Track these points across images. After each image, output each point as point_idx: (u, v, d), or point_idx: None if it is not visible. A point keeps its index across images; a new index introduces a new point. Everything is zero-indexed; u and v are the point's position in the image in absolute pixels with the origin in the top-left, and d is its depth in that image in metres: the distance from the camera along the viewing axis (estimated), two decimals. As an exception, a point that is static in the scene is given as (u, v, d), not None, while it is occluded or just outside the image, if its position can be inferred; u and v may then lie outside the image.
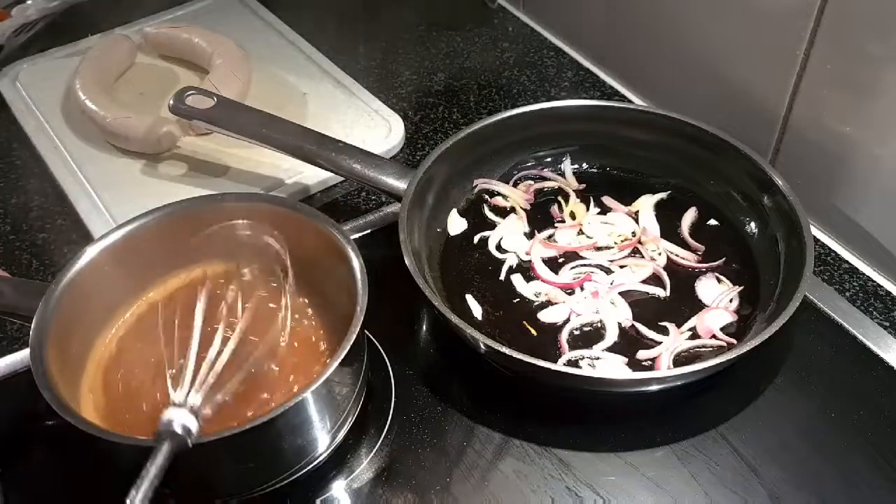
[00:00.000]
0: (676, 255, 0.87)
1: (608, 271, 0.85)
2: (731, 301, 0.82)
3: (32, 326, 0.66)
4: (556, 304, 0.82)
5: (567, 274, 0.85)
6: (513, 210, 0.92)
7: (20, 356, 0.79)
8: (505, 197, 0.93)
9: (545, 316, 0.81)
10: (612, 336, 0.79)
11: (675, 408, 0.76)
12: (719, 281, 0.84)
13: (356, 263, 0.70)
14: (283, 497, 0.69)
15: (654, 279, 0.85)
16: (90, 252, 0.72)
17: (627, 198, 0.92)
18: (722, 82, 0.96)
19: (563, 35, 1.20)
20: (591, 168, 0.96)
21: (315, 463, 0.70)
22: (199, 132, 1.01)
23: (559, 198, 0.93)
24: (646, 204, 0.91)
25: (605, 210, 0.92)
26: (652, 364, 0.77)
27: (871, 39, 0.79)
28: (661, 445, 0.74)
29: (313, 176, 0.98)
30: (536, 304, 0.83)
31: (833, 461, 0.72)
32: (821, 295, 0.84)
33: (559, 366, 0.72)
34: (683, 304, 0.82)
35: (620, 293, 0.83)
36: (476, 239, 0.89)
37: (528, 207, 0.92)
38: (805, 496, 0.70)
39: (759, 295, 0.82)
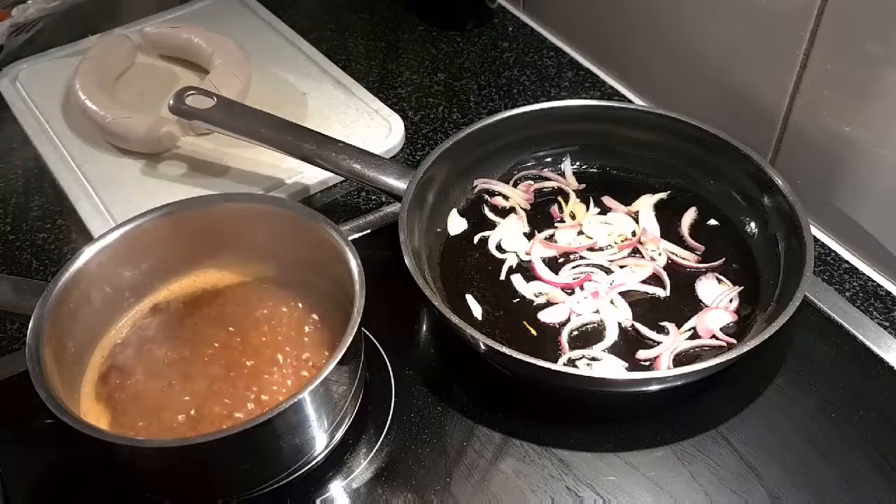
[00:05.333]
0: (676, 255, 0.87)
1: (608, 271, 0.85)
2: (731, 301, 0.82)
3: (30, 326, 0.66)
4: (556, 304, 0.82)
5: (567, 274, 0.85)
6: (513, 210, 0.92)
7: (20, 356, 0.79)
8: (505, 197, 0.93)
9: (545, 316, 0.81)
10: (612, 336, 0.79)
11: (675, 408, 0.76)
12: (719, 281, 0.84)
13: (354, 264, 0.70)
14: (282, 497, 0.69)
15: (654, 279, 0.85)
16: (88, 252, 0.72)
17: (627, 198, 0.92)
18: (722, 82, 0.96)
19: (563, 35, 1.20)
20: (591, 168, 0.96)
21: (313, 463, 0.70)
22: (199, 132, 1.01)
23: (559, 198, 0.93)
24: (646, 204, 0.91)
25: (605, 210, 0.92)
26: (652, 364, 0.77)
27: (871, 39, 0.79)
28: (661, 445, 0.73)
29: (313, 176, 0.98)
30: (536, 304, 0.83)
31: (833, 461, 0.72)
32: (821, 295, 0.84)
33: (559, 366, 0.72)
34: (683, 304, 0.82)
35: (620, 293, 0.83)
36: (476, 239, 0.89)
37: (528, 207, 0.92)
38: (805, 496, 0.70)
39: (759, 295, 0.82)
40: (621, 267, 0.86)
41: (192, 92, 0.92)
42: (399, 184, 0.85)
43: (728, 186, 0.90)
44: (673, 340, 0.79)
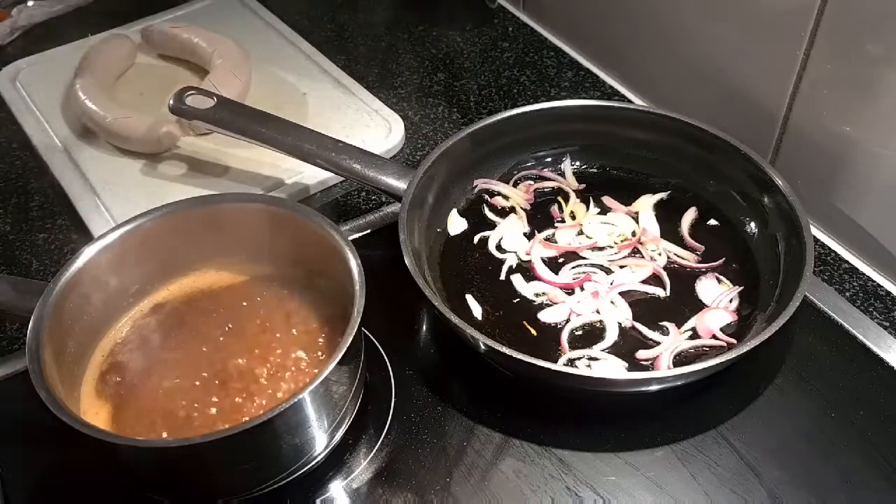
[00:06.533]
0: (676, 255, 0.87)
1: (608, 271, 0.85)
2: (731, 301, 0.82)
3: (30, 326, 0.66)
4: (556, 304, 0.82)
5: (567, 274, 0.85)
6: (513, 210, 0.92)
7: (20, 356, 0.79)
8: (505, 197, 0.93)
9: (545, 316, 0.81)
10: (612, 336, 0.79)
11: (675, 408, 0.76)
12: (719, 281, 0.84)
13: (354, 264, 0.70)
14: (282, 497, 0.69)
15: (654, 279, 0.85)
16: (88, 252, 0.72)
17: (627, 198, 0.92)
18: (722, 82, 0.96)
19: (563, 35, 1.20)
20: (591, 168, 0.96)
21: (314, 463, 0.70)
22: (199, 132, 1.01)
23: (559, 198, 0.93)
24: (646, 204, 0.91)
25: (605, 210, 0.92)
26: (652, 364, 0.77)
27: (871, 39, 0.79)
28: (661, 445, 0.74)
29: (313, 176, 0.98)
30: (536, 304, 0.83)
31: (833, 461, 0.72)
32: (821, 295, 0.84)
33: (559, 366, 0.72)
34: (683, 304, 0.82)
35: (620, 293, 0.83)
36: (476, 239, 0.89)
37: (528, 207, 0.92)
38: (805, 496, 0.70)
39: (759, 295, 0.82)
40: (621, 267, 0.86)
41: (192, 92, 0.92)
42: (399, 184, 0.85)
43: (728, 186, 0.90)
44: (673, 340, 0.79)
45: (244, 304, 0.76)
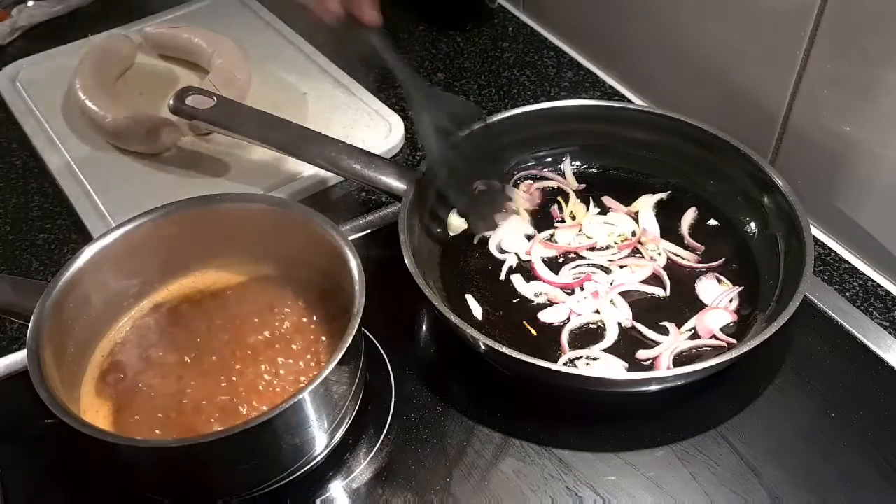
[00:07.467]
0: (676, 255, 0.87)
1: (608, 271, 0.85)
2: (731, 301, 0.82)
3: (30, 326, 0.66)
4: (556, 304, 0.82)
5: (567, 274, 0.85)
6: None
7: (20, 356, 0.79)
8: (505, 197, 0.93)
9: (545, 316, 0.81)
10: (612, 336, 0.79)
11: (675, 408, 0.76)
12: (719, 281, 0.84)
13: (354, 264, 0.70)
14: (282, 497, 0.69)
15: (654, 279, 0.85)
16: (88, 252, 0.72)
17: (627, 198, 0.92)
18: (722, 82, 0.96)
19: (563, 35, 1.20)
20: (591, 168, 0.96)
21: (314, 463, 0.70)
22: (199, 132, 1.01)
23: (559, 198, 0.93)
24: (646, 204, 0.91)
25: (605, 210, 0.92)
26: (652, 364, 0.77)
27: (871, 39, 0.79)
28: (661, 445, 0.73)
29: (313, 176, 0.98)
30: (536, 304, 0.83)
31: (833, 461, 0.72)
32: (821, 295, 0.84)
33: (559, 366, 0.72)
34: (683, 304, 0.82)
35: (620, 293, 0.83)
36: (476, 239, 0.89)
37: (529, 207, 0.92)
38: (805, 496, 0.70)
39: (759, 295, 0.82)
40: (621, 267, 0.86)
41: (192, 92, 0.92)
42: (399, 184, 0.86)
43: (728, 186, 0.90)
44: (673, 340, 0.79)
45: (244, 303, 0.76)
